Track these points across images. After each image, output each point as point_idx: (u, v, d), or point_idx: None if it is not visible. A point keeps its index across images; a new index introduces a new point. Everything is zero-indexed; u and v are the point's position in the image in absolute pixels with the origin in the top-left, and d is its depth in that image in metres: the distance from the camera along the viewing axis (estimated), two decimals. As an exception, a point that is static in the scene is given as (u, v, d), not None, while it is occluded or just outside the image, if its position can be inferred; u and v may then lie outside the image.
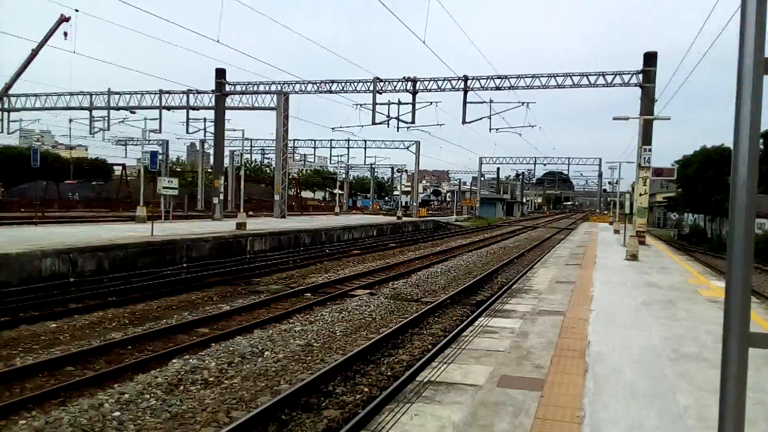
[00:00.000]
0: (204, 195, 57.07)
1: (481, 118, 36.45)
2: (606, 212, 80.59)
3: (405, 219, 46.28)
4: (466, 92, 33.99)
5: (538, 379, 6.14)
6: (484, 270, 20.43)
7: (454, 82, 34.04)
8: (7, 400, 6.87)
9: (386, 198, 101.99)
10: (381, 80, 34.92)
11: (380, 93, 35.29)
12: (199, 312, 12.38)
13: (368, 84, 35.04)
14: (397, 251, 27.74)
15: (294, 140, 63.80)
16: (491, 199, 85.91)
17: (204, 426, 6.42)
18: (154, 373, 8.01)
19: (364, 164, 78.71)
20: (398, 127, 37.38)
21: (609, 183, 75.25)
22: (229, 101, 37.54)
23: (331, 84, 35.85)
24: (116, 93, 39.91)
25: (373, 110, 35.67)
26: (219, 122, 37.13)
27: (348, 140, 65.73)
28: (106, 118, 42.36)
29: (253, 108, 37.61)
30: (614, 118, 24.55)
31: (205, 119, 48.49)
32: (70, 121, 49.75)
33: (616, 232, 36.88)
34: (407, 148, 61.60)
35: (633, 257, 19.51)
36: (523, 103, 36.35)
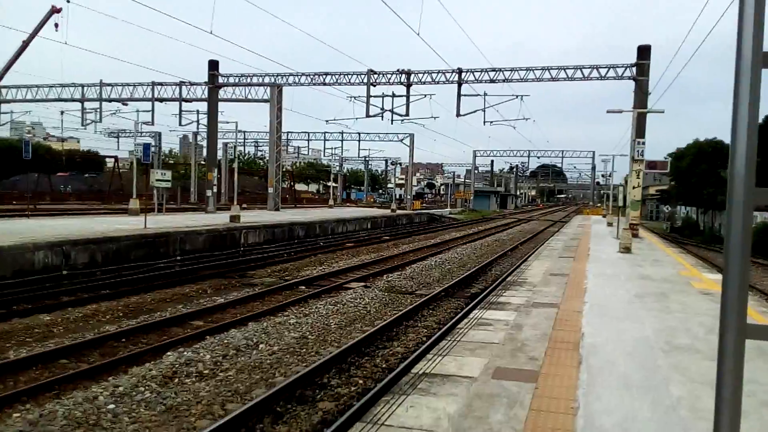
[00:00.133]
0: (197, 187, 56.87)
1: (475, 111, 36.48)
2: (599, 205, 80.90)
3: (399, 212, 46.31)
4: (460, 85, 33.97)
5: (533, 370, 6.17)
6: (479, 262, 20.48)
7: (448, 75, 34.01)
8: (1, 393, 6.85)
9: (380, 191, 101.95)
10: (375, 73, 34.85)
11: (374, 85, 35.23)
12: (194, 305, 12.35)
13: (362, 76, 34.95)
14: (392, 244, 27.76)
15: (288, 133, 63.57)
16: (485, 191, 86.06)
17: (199, 418, 6.42)
18: (149, 365, 8.00)
19: (358, 157, 78.53)
20: (392, 120, 37.39)
21: (602, 176, 75.51)
22: (222, 93, 37.36)
23: (325, 76, 35.74)
24: (108, 85, 39.66)
25: (367, 103, 35.62)
26: (212, 114, 36.97)
27: (342, 133, 65.61)
28: (98, 110, 42.12)
29: (246, 100, 37.46)
30: (608, 111, 24.63)
31: (198, 111, 48.29)
32: (62, 113, 49.43)
33: (609, 224, 37.03)
34: (401, 140, 61.53)
35: (626, 250, 19.61)
36: (517, 96, 36.39)
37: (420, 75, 34.54)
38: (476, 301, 12.80)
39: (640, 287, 12.11)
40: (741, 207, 1.46)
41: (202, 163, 53.83)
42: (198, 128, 52.98)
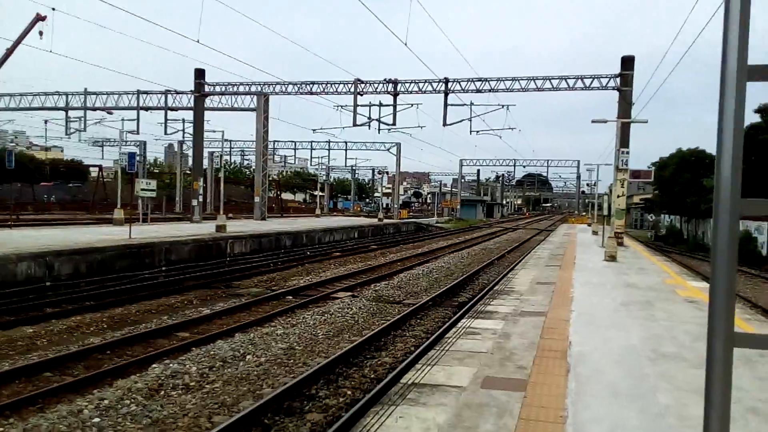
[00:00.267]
0: (182, 197, 56.48)
1: (461, 120, 36.65)
2: (584, 213, 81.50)
3: (386, 221, 46.32)
4: (446, 94, 34.15)
5: (521, 379, 6.19)
6: (466, 271, 20.52)
7: (435, 84, 34.19)
8: (-18, 408, 6.72)
9: (367, 200, 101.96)
10: (362, 82, 34.93)
11: (361, 94, 35.29)
12: (179, 316, 12.24)
13: (349, 85, 35.02)
14: (379, 253, 27.74)
15: (274, 141, 63.44)
16: (472, 200, 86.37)
17: (186, 431, 6.35)
18: (134, 378, 7.91)
19: (345, 166, 78.51)
20: (379, 129, 37.45)
21: (587, 185, 76.07)
22: (208, 102, 37.21)
23: (311, 85, 35.76)
24: (93, 93, 39.34)
25: (354, 112, 35.67)
26: (198, 123, 36.79)
27: (329, 142, 65.60)
28: (83, 119, 41.72)
29: (232, 109, 37.34)
30: (593, 121, 24.90)
31: (183, 120, 48.05)
32: (46, 122, 48.96)
33: (595, 233, 37.33)
34: (388, 149, 61.66)
35: (611, 258, 19.76)
36: (503, 106, 36.61)
37: (407, 84, 34.69)
38: (464, 310, 12.83)
39: (626, 295, 12.20)
40: (727, 217, 1.48)
41: (188, 172, 53.54)
42: (184, 137, 52.72)
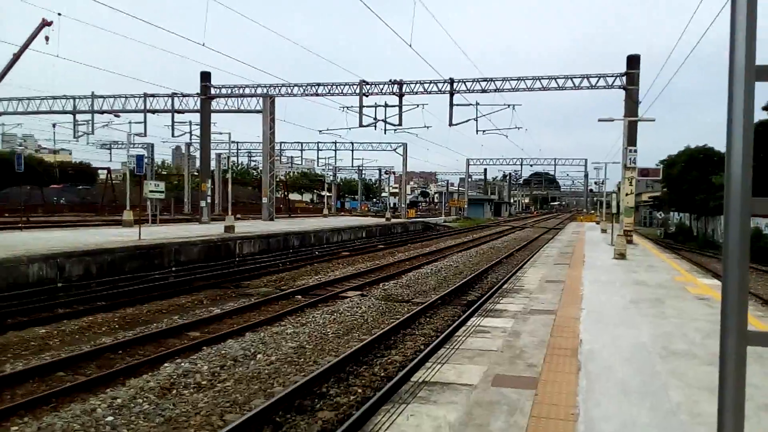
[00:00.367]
0: (191, 198, 56.74)
1: (467, 120, 36.67)
2: (593, 212, 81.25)
3: (394, 220, 46.36)
4: (452, 95, 34.17)
5: (532, 377, 6.20)
6: (474, 270, 20.52)
7: (440, 85, 34.21)
8: (-3, 407, 6.81)
9: (374, 200, 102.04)
10: (367, 83, 34.99)
11: (367, 96, 35.38)
12: (190, 315, 12.32)
13: (355, 87, 35.09)
14: (387, 252, 27.77)
15: (281, 143, 63.69)
16: (479, 199, 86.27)
17: (198, 430, 6.40)
18: (146, 377, 7.98)
19: (352, 166, 78.75)
20: (385, 130, 37.55)
21: (595, 183, 75.84)
22: (214, 104, 37.39)
23: (317, 87, 35.86)
24: (100, 96, 39.62)
25: (360, 113, 35.76)
26: (205, 125, 36.97)
27: (335, 142, 65.79)
28: (90, 122, 42.01)
29: (239, 111, 37.50)
30: (599, 120, 24.83)
31: (190, 122, 48.29)
32: (54, 125, 49.24)
33: (603, 231, 37.21)
34: (394, 150, 61.75)
35: (621, 256, 19.70)
36: (508, 105, 36.63)
37: (412, 85, 34.73)
38: (473, 308, 12.84)
39: (635, 293, 12.17)
40: (738, 215, 1.49)
41: (196, 173, 53.75)
42: (191, 139, 52.99)
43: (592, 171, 61.70)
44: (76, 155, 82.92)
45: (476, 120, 36.84)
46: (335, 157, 71.40)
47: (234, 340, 10.09)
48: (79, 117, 41.88)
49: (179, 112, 39.29)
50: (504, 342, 7.76)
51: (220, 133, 43.06)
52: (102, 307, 12.75)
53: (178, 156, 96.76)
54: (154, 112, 39.36)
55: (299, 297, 14.82)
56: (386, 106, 36.19)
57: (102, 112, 40.33)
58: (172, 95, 38.34)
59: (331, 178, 75.95)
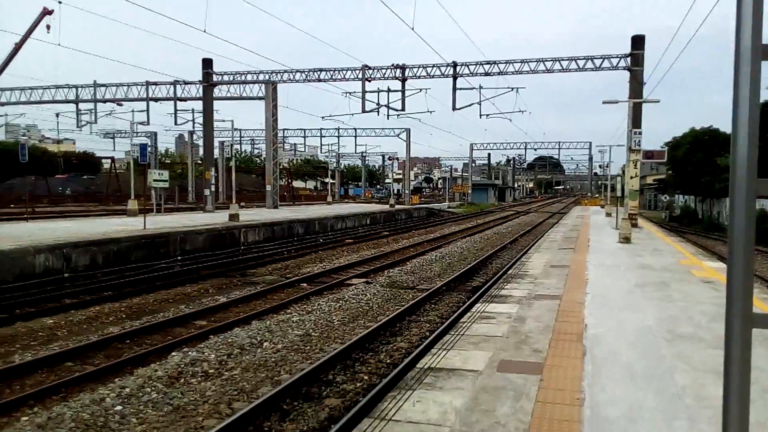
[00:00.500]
0: (194, 187, 56.81)
1: (470, 105, 36.45)
2: (597, 195, 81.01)
3: (398, 207, 46.34)
4: (455, 78, 33.94)
5: (537, 363, 6.21)
6: (479, 256, 20.52)
7: (443, 69, 33.97)
8: (7, 397, 6.88)
9: (378, 186, 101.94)
10: (370, 68, 34.78)
11: (369, 81, 35.17)
12: (196, 304, 12.38)
13: (357, 72, 34.89)
14: (391, 239, 27.79)
15: (284, 130, 63.52)
16: (483, 185, 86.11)
17: (207, 417, 6.45)
18: (154, 366, 8.04)
19: (355, 153, 78.56)
20: (388, 115, 37.41)
21: (599, 166, 75.60)
22: (217, 91, 37.27)
23: (319, 72, 35.67)
24: (102, 85, 39.53)
25: (363, 98, 35.57)
26: (207, 113, 36.88)
27: (338, 129, 65.55)
28: (93, 111, 42.00)
29: (241, 98, 37.40)
30: (604, 102, 24.61)
31: (193, 110, 48.20)
32: (57, 115, 49.25)
33: (608, 215, 37.10)
34: (398, 135, 61.53)
35: (626, 240, 19.65)
36: (512, 89, 36.34)
37: (415, 69, 34.50)
38: (478, 294, 12.86)
39: (640, 277, 12.15)
40: (744, 196, 1.48)
41: (199, 162, 53.77)
42: (194, 127, 52.94)
43: (597, 154, 61.50)
44: (79, 145, 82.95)
45: (480, 104, 36.65)
46: (338, 143, 71.31)
47: (240, 328, 10.14)
48: (81, 106, 41.87)
49: (182, 99, 39.19)
50: (509, 327, 7.77)
51: (223, 121, 42.99)
52: (109, 297, 12.83)
53: (181, 144, 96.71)
54: (156, 100, 39.29)
55: (304, 285, 14.86)
56: (389, 91, 36.03)
57: (105, 101, 40.28)
58: (175, 83, 38.23)
59: (335, 164, 75.90)
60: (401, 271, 16.92)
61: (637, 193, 27.56)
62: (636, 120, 26.54)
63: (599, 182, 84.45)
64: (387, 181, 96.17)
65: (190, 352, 8.63)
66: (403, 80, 34.71)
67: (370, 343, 9.42)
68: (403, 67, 34.45)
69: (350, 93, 37.15)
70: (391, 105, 36.33)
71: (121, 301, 12.58)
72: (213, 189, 36.27)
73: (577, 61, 31.89)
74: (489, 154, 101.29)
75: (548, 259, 15.23)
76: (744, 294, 1.50)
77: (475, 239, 27.43)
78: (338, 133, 67.13)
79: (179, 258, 17.92)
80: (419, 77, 34.65)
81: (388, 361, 8.62)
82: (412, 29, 26.87)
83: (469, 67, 33.70)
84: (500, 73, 33.31)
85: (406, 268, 17.51)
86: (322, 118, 52.09)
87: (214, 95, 37.02)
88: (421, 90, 36.37)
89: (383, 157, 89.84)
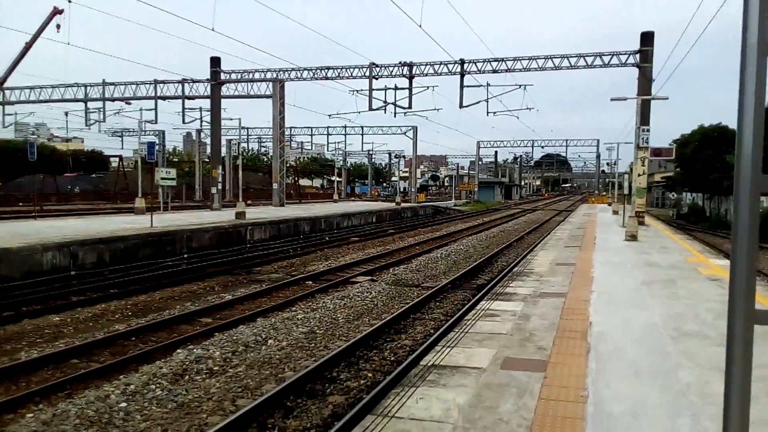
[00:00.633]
0: (202, 185, 56.98)
1: (478, 102, 36.34)
2: (604, 193, 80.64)
3: (404, 205, 46.32)
4: (462, 76, 33.84)
5: (541, 360, 6.18)
6: (484, 254, 20.48)
7: (450, 66, 33.88)
8: (13, 394, 6.92)
9: (384, 184, 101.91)
10: (377, 66, 34.74)
11: (376, 78, 35.13)
12: (201, 302, 12.42)
13: (364, 70, 34.86)
14: (397, 237, 27.78)
15: (291, 128, 63.54)
16: (489, 182, 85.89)
17: (210, 414, 6.47)
18: (159, 363, 8.06)
19: (362, 151, 78.49)
20: (395, 113, 37.32)
21: (607, 164, 75.15)
22: (224, 90, 37.36)
23: (327, 70, 35.67)
24: (111, 84, 39.74)
25: (370, 96, 35.56)
26: (215, 111, 36.98)
27: (345, 127, 65.62)
28: (102, 110, 42.21)
29: (248, 96, 37.45)
30: (612, 99, 24.47)
31: (201, 108, 48.34)
32: (66, 113, 49.52)
33: (615, 213, 36.94)
34: (405, 133, 61.47)
35: (632, 237, 19.55)
36: (520, 86, 36.20)
37: (422, 67, 34.43)
38: (483, 292, 12.83)
39: (647, 274, 12.09)
40: (748, 193, 1.46)
41: (206, 160, 53.90)
42: (201, 125, 53.03)
43: (605, 152, 61.10)
44: (88, 143, 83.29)
45: (487, 101, 36.51)
46: (345, 141, 71.27)
47: (245, 326, 10.16)
48: (90, 105, 42.10)
49: (189, 98, 39.31)
50: (514, 325, 7.74)
51: (231, 119, 43.17)
52: (115, 295, 12.88)
53: (188, 142, 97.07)
54: (164, 98, 39.45)
55: (310, 282, 14.88)
56: (396, 88, 35.96)
57: (113, 100, 40.49)
58: (182, 81, 38.36)
59: (341, 162, 75.89)
60: (406, 269, 16.90)
61: (645, 190, 27.40)
62: (644, 117, 26.37)
63: (607, 180, 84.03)
64: (393, 179, 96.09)
65: (195, 350, 8.66)
66: (411, 78, 34.65)
67: (374, 340, 9.42)
68: (410, 65, 34.39)
69: (357, 91, 37.16)
70: (398, 103, 36.28)
71: (127, 298, 12.63)
72: (220, 187, 36.36)
73: (586, 57, 31.73)
74: (496, 152, 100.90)
75: (554, 257, 15.17)
76: (747, 290, 1.49)
77: (481, 237, 27.37)
78: (345, 131, 67.15)
79: (186, 256, 17.98)
80: (426, 75, 34.59)
81: (392, 358, 8.61)
82: (420, 26, 26.90)
83: (477, 64, 33.60)
84: (508, 70, 33.18)
85: (412, 266, 17.49)
86: (329, 116, 52.24)
87: (221, 93, 37.12)
88: (428, 87, 36.28)
89: (390, 155, 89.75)
